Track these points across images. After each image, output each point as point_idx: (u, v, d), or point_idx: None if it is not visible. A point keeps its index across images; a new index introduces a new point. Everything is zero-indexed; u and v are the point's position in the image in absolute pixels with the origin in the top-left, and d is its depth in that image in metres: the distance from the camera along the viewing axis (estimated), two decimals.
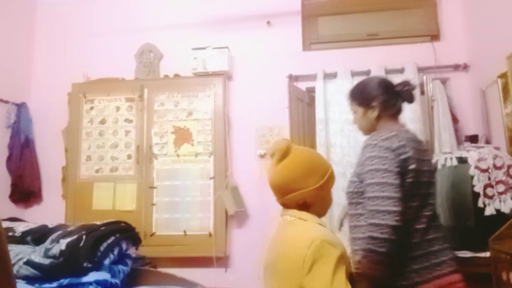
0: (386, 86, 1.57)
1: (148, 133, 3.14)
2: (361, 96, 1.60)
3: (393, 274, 1.32)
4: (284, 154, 1.17)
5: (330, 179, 1.20)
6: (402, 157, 1.35)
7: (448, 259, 1.38)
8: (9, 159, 3.24)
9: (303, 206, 1.15)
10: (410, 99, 1.58)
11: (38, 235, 1.80)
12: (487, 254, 1.80)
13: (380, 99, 1.54)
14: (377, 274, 1.29)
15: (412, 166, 1.36)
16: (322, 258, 0.99)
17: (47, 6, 3.62)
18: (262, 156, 3.08)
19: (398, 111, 1.57)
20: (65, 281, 1.55)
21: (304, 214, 1.14)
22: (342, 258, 1.04)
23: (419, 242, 1.36)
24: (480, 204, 1.87)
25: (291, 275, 1.02)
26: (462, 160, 2.02)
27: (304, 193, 1.14)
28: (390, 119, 1.54)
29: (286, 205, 1.19)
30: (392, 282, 1.31)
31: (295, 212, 1.15)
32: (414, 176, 1.37)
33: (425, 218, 1.39)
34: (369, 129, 1.57)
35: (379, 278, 1.30)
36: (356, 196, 1.42)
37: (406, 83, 1.57)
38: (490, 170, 1.89)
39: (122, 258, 1.83)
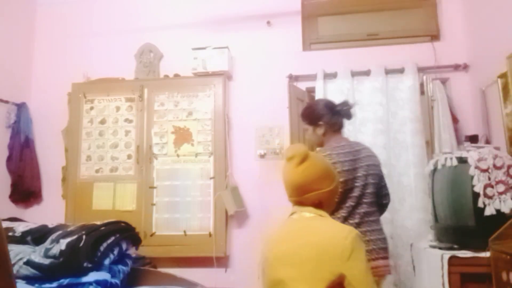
0: (329, 107, 1.93)
1: (148, 133, 3.14)
2: (310, 116, 1.95)
3: None
4: (304, 158, 1.30)
5: (338, 184, 1.39)
6: None
7: (377, 248, 1.75)
8: (9, 159, 3.24)
9: (318, 205, 1.30)
10: (349, 117, 1.94)
11: (38, 235, 1.80)
12: (487, 254, 1.79)
13: (325, 118, 1.89)
14: None
15: (341, 179, 1.67)
16: (358, 248, 1.16)
17: (47, 6, 3.62)
18: (262, 156, 3.09)
19: (340, 126, 1.95)
20: (65, 281, 1.56)
21: (322, 212, 1.30)
22: None
23: None
24: (480, 204, 1.86)
25: (326, 261, 1.15)
26: (462, 160, 2.02)
27: (320, 193, 1.29)
28: (334, 134, 1.91)
29: (301, 203, 1.32)
30: None
31: (313, 209, 1.29)
32: (344, 186, 1.73)
33: (358, 215, 1.76)
34: (318, 143, 1.94)
35: None
36: None
37: (345, 103, 1.94)
38: (490, 170, 1.89)
39: (122, 258, 1.83)
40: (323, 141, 1.90)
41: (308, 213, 1.29)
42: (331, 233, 1.20)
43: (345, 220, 1.72)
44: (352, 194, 1.76)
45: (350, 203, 1.75)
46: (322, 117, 1.89)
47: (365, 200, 1.79)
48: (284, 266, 1.21)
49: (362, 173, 1.80)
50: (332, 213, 1.62)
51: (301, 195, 1.30)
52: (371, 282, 1.16)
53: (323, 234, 1.21)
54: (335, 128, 1.91)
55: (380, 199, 1.94)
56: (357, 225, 1.71)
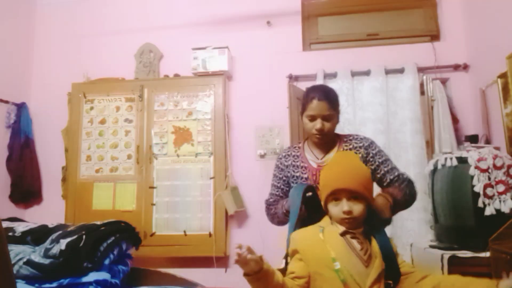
0: None
1: (148, 133, 3.14)
2: (337, 101, 1.64)
3: None
4: None
5: None
6: None
7: None
8: (9, 159, 3.24)
9: None
10: None
11: (38, 235, 1.80)
12: (487, 254, 1.80)
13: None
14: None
15: None
16: None
17: (47, 6, 3.62)
18: (262, 156, 3.08)
19: None
20: (65, 281, 1.55)
21: None
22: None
23: None
24: (480, 204, 1.87)
25: None
26: (462, 160, 2.02)
27: None
28: None
29: None
30: None
31: None
32: None
33: None
34: (331, 135, 1.64)
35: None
36: None
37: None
38: (490, 170, 1.89)
39: (122, 258, 1.83)
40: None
41: None
42: None
43: None
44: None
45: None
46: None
47: None
48: None
49: None
50: None
51: None
52: None
53: None
54: None
55: None
56: None
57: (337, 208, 1.27)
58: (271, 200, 1.73)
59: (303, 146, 1.68)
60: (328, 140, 1.61)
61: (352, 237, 1.25)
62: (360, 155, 1.57)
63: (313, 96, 1.57)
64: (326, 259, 1.21)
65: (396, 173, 1.59)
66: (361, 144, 1.61)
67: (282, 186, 1.69)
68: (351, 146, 1.61)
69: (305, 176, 1.59)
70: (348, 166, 1.31)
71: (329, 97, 1.59)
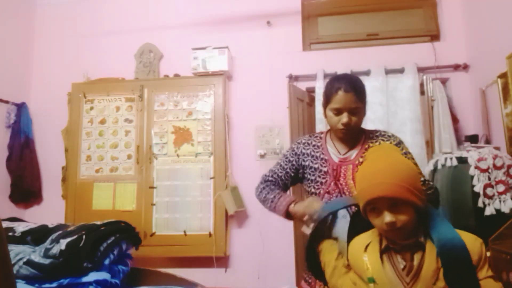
0: None
1: (148, 133, 3.14)
2: (364, 92, 1.47)
3: None
4: None
5: None
6: None
7: None
8: (9, 159, 3.24)
9: None
10: None
11: (38, 235, 1.79)
12: (487, 254, 1.80)
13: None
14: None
15: None
16: None
17: (47, 6, 3.63)
18: (262, 156, 3.08)
19: None
20: (65, 281, 1.55)
21: None
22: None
23: None
24: (480, 204, 1.87)
25: None
26: (462, 160, 2.02)
27: None
28: None
29: None
30: None
31: None
32: None
33: None
34: (358, 128, 1.51)
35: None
36: None
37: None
38: (490, 170, 1.89)
39: (122, 258, 1.83)
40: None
41: None
42: None
43: None
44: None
45: None
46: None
47: None
48: None
49: None
50: None
51: None
52: None
53: None
54: None
55: None
56: None
57: (378, 220, 1.05)
58: (270, 178, 1.60)
59: (325, 137, 1.55)
60: (353, 135, 1.49)
61: (396, 252, 1.06)
62: None
63: (339, 86, 1.41)
64: (365, 278, 1.07)
65: (422, 179, 1.38)
66: (388, 142, 1.48)
67: (288, 170, 1.57)
68: (377, 143, 1.46)
69: (325, 169, 1.47)
70: (386, 165, 1.05)
71: (356, 88, 1.43)
